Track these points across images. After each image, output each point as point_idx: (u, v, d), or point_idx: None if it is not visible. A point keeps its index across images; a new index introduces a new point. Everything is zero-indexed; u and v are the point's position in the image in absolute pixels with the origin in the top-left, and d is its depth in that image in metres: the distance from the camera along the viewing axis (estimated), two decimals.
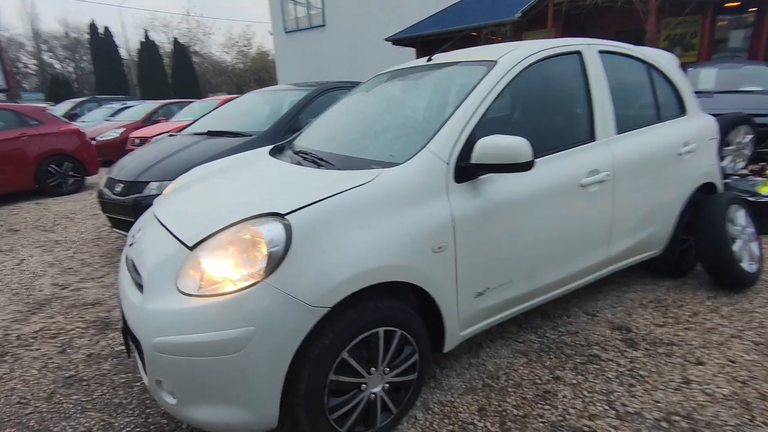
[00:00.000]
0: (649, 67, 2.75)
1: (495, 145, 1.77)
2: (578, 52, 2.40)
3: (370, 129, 2.48)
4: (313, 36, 18.65)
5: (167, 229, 1.85)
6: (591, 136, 2.36)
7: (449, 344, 1.97)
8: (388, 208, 1.69)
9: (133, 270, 1.82)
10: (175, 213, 1.98)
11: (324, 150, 2.27)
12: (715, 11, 9.51)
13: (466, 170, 1.86)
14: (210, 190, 2.13)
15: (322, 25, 18.23)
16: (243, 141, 3.90)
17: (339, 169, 1.92)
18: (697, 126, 2.88)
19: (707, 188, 2.94)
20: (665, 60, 2.86)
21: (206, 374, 1.48)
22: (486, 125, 1.97)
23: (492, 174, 1.94)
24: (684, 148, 2.73)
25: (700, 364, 2.17)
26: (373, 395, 1.74)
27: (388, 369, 1.76)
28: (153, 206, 2.27)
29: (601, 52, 2.49)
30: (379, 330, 1.68)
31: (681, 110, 2.87)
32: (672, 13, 9.28)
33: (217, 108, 5.54)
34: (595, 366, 2.19)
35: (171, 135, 4.88)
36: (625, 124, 2.50)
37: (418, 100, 2.50)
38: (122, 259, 2.06)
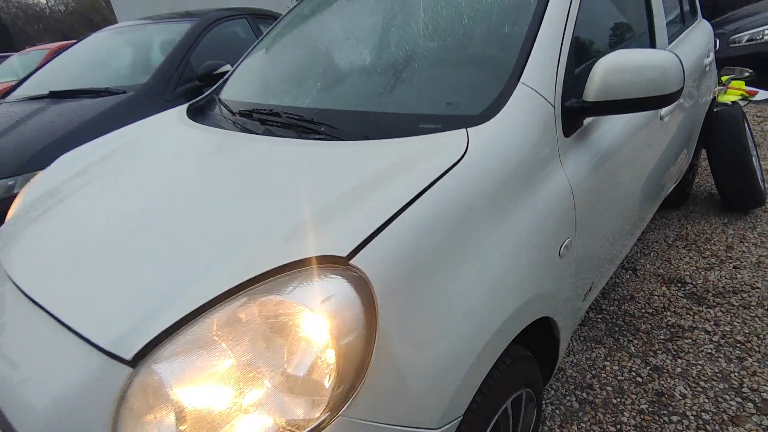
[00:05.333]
0: None
1: (631, 69, 1.07)
2: None
3: (379, 61, 1.49)
4: None
5: (50, 314, 0.86)
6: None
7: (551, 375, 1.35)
8: (500, 198, 0.94)
9: None
10: (59, 269, 0.95)
11: (304, 105, 1.37)
12: None
13: (574, 114, 1.16)
14: (119, 206, 1.11)
15: None
16: (116, 101, 2.66)
17: (370, 139, 1.07)
18: (708, 31, 2.48)
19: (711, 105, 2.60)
20: None
21: None
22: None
23: (596, 117, 1.26)
24: (707, 59, 2.31)
25: None
26: None
27: None
28: None
29: None
30: (507, 404, 1.00)
31: (693, 11, 2.43)
32: None
33: (49, 60, 3.90)
34: (685, 341, 1.77)
35: None
36: (670, 32, 1.96)
37: (441, 9, 1.51)
38: None
